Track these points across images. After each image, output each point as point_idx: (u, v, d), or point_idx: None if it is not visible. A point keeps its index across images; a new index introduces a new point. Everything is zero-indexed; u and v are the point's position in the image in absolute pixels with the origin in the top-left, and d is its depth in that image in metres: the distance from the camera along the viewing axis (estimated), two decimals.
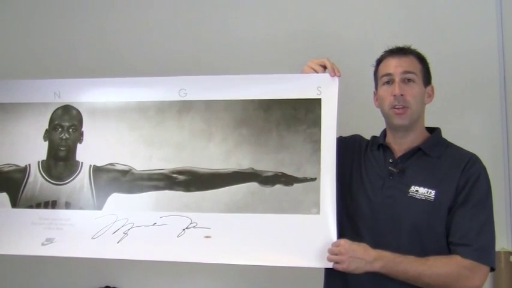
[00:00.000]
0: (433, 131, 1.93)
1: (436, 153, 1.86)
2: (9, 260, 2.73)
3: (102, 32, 2.90)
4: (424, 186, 1.81)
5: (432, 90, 1.93)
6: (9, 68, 2.80)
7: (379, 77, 1.92)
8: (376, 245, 1.77)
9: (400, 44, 1.92)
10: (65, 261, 2.57)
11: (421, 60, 1.90)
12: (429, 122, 1.95)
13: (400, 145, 1.90)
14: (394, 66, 1.87)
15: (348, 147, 1.99)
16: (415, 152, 1.87)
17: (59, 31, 2.93)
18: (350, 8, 2.64)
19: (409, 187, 1.82)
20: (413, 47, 1.91)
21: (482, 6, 2.50)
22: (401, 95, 1.83)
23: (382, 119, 1.94)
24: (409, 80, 1.85)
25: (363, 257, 1.73)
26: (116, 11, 2.92)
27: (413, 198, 1.80)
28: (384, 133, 1.96)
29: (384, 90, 1.88)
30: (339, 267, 1.76)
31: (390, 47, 1.92)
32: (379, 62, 1.93)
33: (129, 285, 2.85)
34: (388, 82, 1.87)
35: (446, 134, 1.94)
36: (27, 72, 2.60)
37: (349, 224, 1.90)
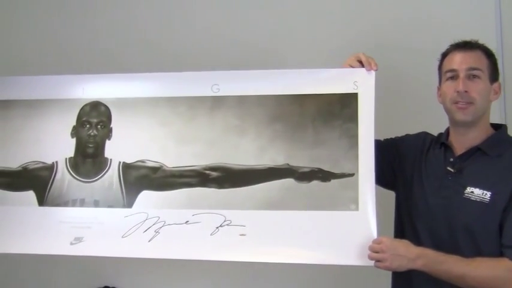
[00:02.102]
0: (499, 128, 1.87)
1: (497, 152, 1.79)
2: (9, 260, 2.73)
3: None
4: (480, 188, 1.75)
5: (499, 87, 1.85)
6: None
7: (443, 72, 1.85)
8: (433, 245, 1.73)
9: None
10: (65, 261, 2.60)
11: (489, 55, 1.82)
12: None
13: (461, 143, 1.84)
14: (459, 61, 1.80)
15: (410, 144, 1.95)
16: (475, 151, 1.81)
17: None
18: (350, 8, 2.61)
19: (465, 188, 1.77)
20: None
21: (482, 7, 2.47)
22: (465, 91, 1.77)
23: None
24: (474, 76, 1.78)
25: (405, 255, 1.69)
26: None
27: (468, 200, 1.75)
28: (447, 131, 1.90)
29: (448, 85, 1.82)
30: (381, 265, 1.72)
31: (455, 42, 1.86)
32: (444, 56, 1.87)
33: (129, 285, 2.80)
34: (452, 78, 1.81)
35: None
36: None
37: (409, 223, 1.86)
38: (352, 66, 1.93)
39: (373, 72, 1.90)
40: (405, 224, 1.88)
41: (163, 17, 2.76)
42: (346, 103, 1.92)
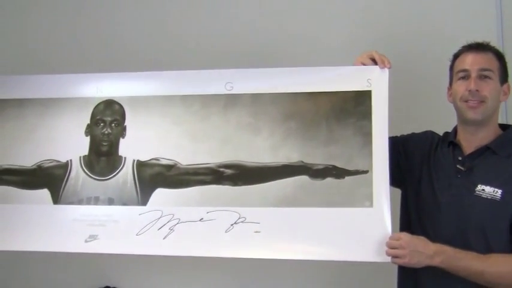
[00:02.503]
0: (507, 128, 1.89)
1: (506, 152, 1.81)
2: (10, 260, 2.74)
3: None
4: (491, 185, 1.76)
5: (508, 88, 1.88)
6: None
7: (454, 72, 1.87)
8: (442, 242, 1.73)
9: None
10: (65, 261, 2.65)
11: (499, 57, 1.85)
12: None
13: (470, 142, 1.85)
14: (471, 62, 1.82)
15: (417, 143, 1.96)
16: (484, 151, 1.82)
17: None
18: (350, 9, 2.62)
19: (476, 186, 1.78)
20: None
21: (482, 7, 2.49)
22: (477, 90, 1.79)
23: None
24: (486, 77, 1.81)
25: (424, 251, 1.70)
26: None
27: (480, 198, 1.76)
28: (455, 130, 1.92)
29: (459, 84, 1.83)
30: (400, 261, 1.72)
31: (468, 43, 1.88)
32: (456, 56, 1.89)
33: (129, 285, 2.80)
34: (463, 77, 1.83)
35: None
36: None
37: (417, 221, 1.87)
38: (364, 64, 1.94)
39: (386, 70, 1.91)
40: (413, 221, 1.88)
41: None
42: (360, 100, 1.92)
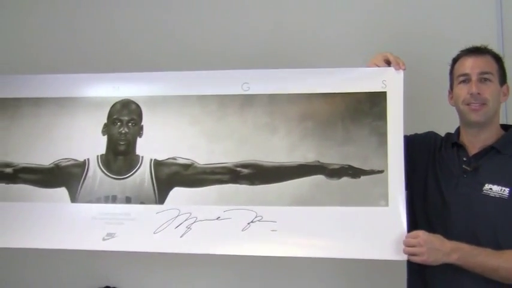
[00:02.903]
0: (508, 128, 1.92)
1: (510, 151, 1.85)
2: (11, 259, 2.74)
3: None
4: (498, 184, 1.80)
5: (507, 89, 1.93)
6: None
7: (455, 76, 1.91)
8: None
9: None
10: (67, 261, 2.66)
11: (497, 59, 1.89)
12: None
13: (473, 143, 1.89)
14: (470, 66, 1.86)
15: (421, 144, 1.99)
16: (489, 150, 1.86)
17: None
18: (349, 8, 2.65)
19: (483, 185, 1.81)
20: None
21: (482, 7, 2.51)
22: (478, 93, 1.83)
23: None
24: (486, 80, 1.85)
25: (441, 248, 1.73)
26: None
27: (488, 196, 1.79)
28: (458, 131, 1.95)
29: (460, 88, 1.87)
30: (418, 259, 1.75)
31: (467, 47, 1.92)
32: (455, 61, 1.93)
33: (129, 285, 2.80)
34: (464, 81, 1.87)
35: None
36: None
37: (424, 221, 1.89)
38: (378, 66, 1.97)
39: (401, 72, 1.94)
40: (419, 221, 1.90)
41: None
42: (375, 101, 1.95)
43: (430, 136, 2.02)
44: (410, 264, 1.87)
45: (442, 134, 2.01)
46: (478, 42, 1.91)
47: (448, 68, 1.96)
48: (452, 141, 1.94)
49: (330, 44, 2.59)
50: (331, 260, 1.98)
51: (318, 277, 2.59)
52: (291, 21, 2.67)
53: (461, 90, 1.87)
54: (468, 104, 1.84)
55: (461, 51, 1.92)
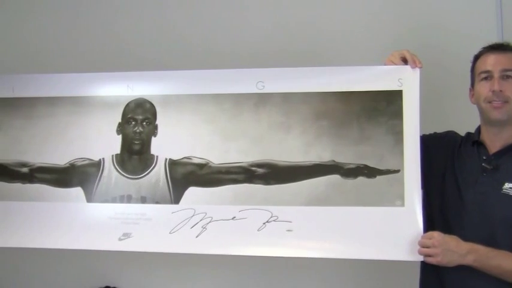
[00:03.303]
0: None
1: None
2: (12, 259, 2.78)
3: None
4: None
5: None
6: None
7: (476, 74, 1.88)
8: (468, 241, 1.74)
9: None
10: (67, 261, 2.69)
11: None
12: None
13: (494, 141, 1.86)
14: (493, 63, 1.83)
15: (441, 143, 1.97)
16: (510, 149, 1.84)
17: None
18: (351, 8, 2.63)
19: (503, 184, 1.79)
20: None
21: (482, 6, 2.49)
22: (500, 90, 1.79)
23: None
24: (508, 77, 1.81)
25: (456, 250, 1.72)
26: None
27: (507, 196, 1.78)
28: (479, 130, 1.93)
29: (482, 85, 1.84)
30: (433, 260, 1.74)
31: (490, 43, 1.89)
32: (476, 58, 1.90)
33: (129, 285, 2.82)
34: (486, 78, 1.84)
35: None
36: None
37: (441, 220, 1.88)
38: (394, 63, 1.95)
39: (417, 70, 1.92)
40: (435, 220, 1.89)
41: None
42: (391, 100, 1.93)
43: (450, 135, 2.00)
44: (425, 264, 1.85)
45: (462, 133, 1.99)
46: (478, 44, 1.88)
47: (470, 65, 1.93)
48: (473, 139, 1.91)
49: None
50: (340, 259, 1.96)
51: (325, 277, 2.61)
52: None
53: (483, 88, 1.84)
54: (490, 102, 1.82)
55: (484, 47, 1.89)
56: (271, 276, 2.66)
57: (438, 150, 1.96)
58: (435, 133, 2.02)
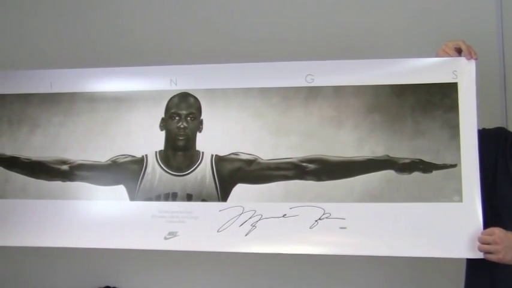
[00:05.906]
0: None
1: None
2: (10, 260, 2.74)
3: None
4: None
5: None
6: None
7: None
8: None
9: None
10: (67, 261, 2.68)
11: None
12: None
13: None
14: None
15: (491, 139, 1.91)
16: None
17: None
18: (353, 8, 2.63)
19: None
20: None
21: (482, 6, 2.48)
22: None
23: None
24: None
25: None
26: None
27: None
28: None
29: None
30: (493, 257, 1.69)
31: None
32: None
33: (129, 285, 2.81)
34: None
35: None
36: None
37: (492, 215, 1.82)
38: (448, 54, 1.89)
39: (473, 61, 1.87)
40: (488, 218, 1.81)
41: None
42: (446, 93, 1.88)
43: (500, 131, 1.94)
44: (472, 261, 1.80)
45: None
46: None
47: None
48: None
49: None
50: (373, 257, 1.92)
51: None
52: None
53: None
54: None
55: None
56: (272, 276, 2.65)
57: (488, 146, 1.90)
58: (483, 129, 1.95)
